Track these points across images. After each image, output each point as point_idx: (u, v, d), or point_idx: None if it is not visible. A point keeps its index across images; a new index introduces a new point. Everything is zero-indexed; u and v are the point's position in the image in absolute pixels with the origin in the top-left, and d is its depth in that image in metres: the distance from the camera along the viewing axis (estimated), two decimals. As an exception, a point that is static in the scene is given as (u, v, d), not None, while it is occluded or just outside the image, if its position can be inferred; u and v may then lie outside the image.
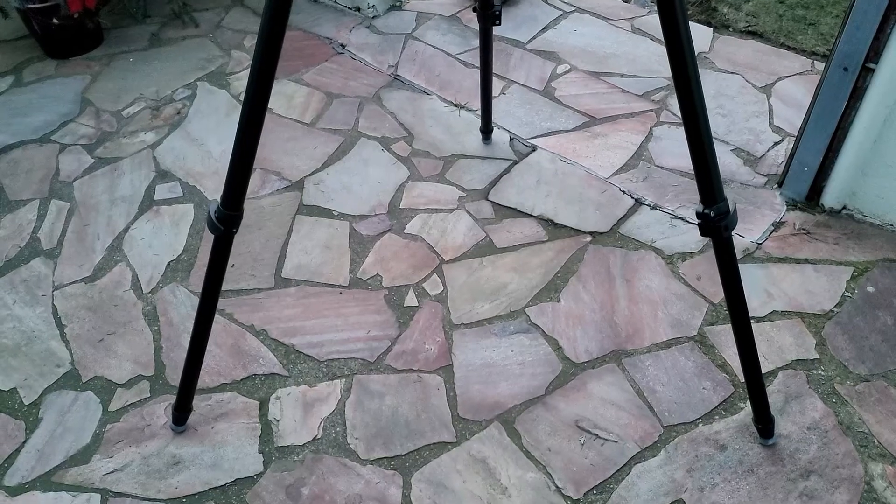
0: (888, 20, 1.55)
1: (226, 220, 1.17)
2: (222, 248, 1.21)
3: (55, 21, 2.32)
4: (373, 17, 2.73)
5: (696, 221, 1.14)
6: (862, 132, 1.70)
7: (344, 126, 2.26)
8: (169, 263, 1.83)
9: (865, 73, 1.64)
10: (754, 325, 1.62)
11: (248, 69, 2.48)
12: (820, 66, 2.40)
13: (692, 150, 1.12)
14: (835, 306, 1.66)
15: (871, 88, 1.64)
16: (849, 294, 1.68)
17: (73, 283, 1.78)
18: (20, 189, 2.03)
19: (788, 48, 4.72)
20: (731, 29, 4.90)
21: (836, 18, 4.73)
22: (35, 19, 2.36)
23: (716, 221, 1.13)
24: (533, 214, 1.96)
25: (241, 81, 2.43)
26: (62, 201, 1.99)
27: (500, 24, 1.76)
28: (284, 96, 2.36)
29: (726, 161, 2.06)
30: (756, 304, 1.67)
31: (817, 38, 4.65)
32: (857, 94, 1.67)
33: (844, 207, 1.86)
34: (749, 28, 4.89)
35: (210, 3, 2.80)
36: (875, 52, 1.60)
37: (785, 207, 1.90)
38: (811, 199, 1.89)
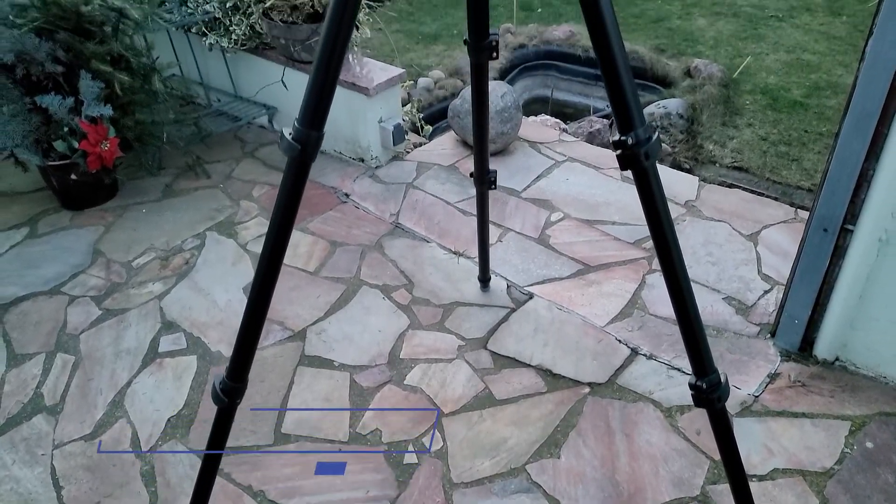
0: (861, 187, 1.65)
1: (230, 391, 1.19)
2: (225, 419, 1.22)
3: (73, 177, 2.45)
4: (375, 167, 2.88)
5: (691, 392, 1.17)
6: (846, 288, 1.76)
7: (346, 274, 2.33)
8: (169, 419, 1.83)
9: (845, 234, 1.72)
10: (757, 485, 1.61)
11: (255, 219, 2.58)
12: (803, 214, 2.50)
13: (681, 324, 1.17)
14: (835, 463, 1.65)
15: (851, 248, 1.72)
16: (848, 450, 1.68)
17: (74, 440, 1.78)
18: (27, 342, 2.07)
19: (775, 182, 4.91)
20: (717, 165, 5.12)
21: (817, 154, 4.96)
22: (54, 175, 2.49)
23: (708, 394, 1.16)
24: (531, 364, 1.98)
25: (248, 231, 2.53)
26: (68, 354, 2.02)
27: (495, 188, 1.87)
28: (290, 245, 2.43)
29: (719, 310, 2.11)
30: (757, 461, 1.66)
31: (801, 174, 4.85)
32: (838, 253, 1.74)
33: (837, 359, 1.90)
34: (735, 164, 5.11)
35: (222, 155, 2.96)
36: (852, 215, 1.69)
37: (779, 358, 1.94)
38: (804, 350, 1.93)
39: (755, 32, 6.18)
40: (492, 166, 1.89)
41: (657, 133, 1.12)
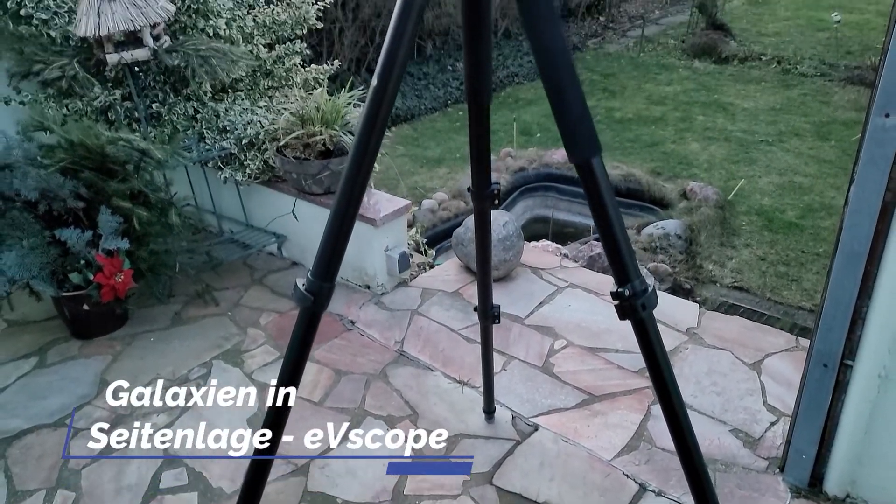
0: (856, 323, 1.69)
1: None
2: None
3: (85, 307, 2.51)
4: (381, 294, 2.94)
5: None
6: (851, 424, 1.76)
7: (351, 404, 2.33)
8: (168, 562, 1.79)
9: (844, 369, 1.74)
10: None
11: (262, 346, 2.61)
12: (804, 342, 2.52)
13: (687, 472, 1.17)
14: None
15: (852, 384, 1.73)
16: None
17: (68, 586, 1.73)
18: (28, 478, 2.04)
19: (776, 303, 4.94)
20: (718, 284, 5.18)
21: (816, 275, 5.03)
22: (67, 305, 2.55)
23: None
24: (538, 501, 1.95)
25: (254, 359, 2.55)
26: (68, 491, 2.00)
27: (499, 323, 1.91)
28: (295, 374, 2.45)
29: (726, 443, 2.09)
30: None
31: (801, 294, 4.91)
32: (840, 388, 1.76)
33: (848, 496, 1.86)
34: (735, 284, 5.18)
35: (231, 282, 3.03)
36: (850, 350, 1.72)
37: (789, 495, 1.90)
38: (814, 486, 1.90)
39: (747, 156, 6.43)
40: (495, 292, 1.94)
41: (654, 285, 1.17)
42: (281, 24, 3.51)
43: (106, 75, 2.89)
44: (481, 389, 2.31)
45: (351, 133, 2.85)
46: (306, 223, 3.01)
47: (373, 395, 2.37)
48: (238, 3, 3.34)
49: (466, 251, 3.03)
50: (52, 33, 2.76)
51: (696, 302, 4.66)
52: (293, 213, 3.00)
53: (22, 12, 2.70)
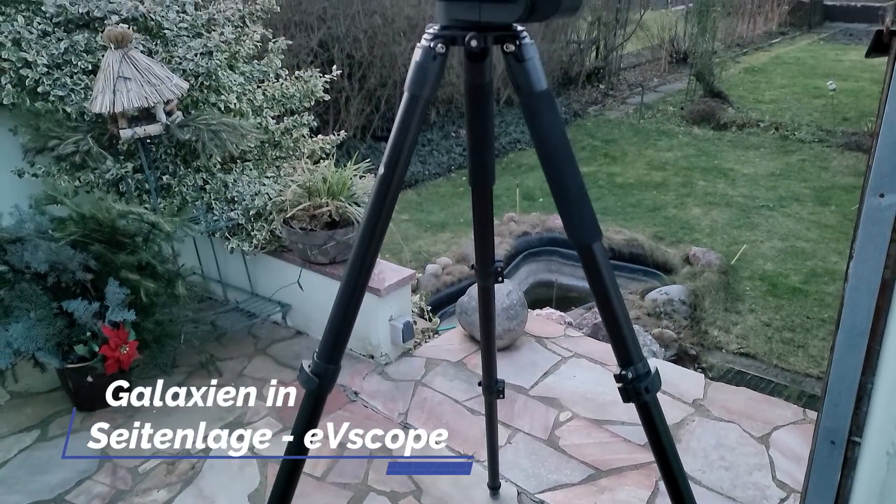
0: (862, 400, 1.68)
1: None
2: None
3: (89, 379, 2.51)
4: (385, 364, 2.93)
5: None
6: (862, 502, 1.73)
7: (354, 480, 2.30)
8: None
9: (852, 446, 1.72)
10: None
11: (265, 419, 2.59)
12: (812, 414, 2.50)
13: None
14: None
15: (860, 461, 1.71)
16: None
17: None
18: (24, 557, 2.01)
19: (783, 370, 4.90)
20: (724, 351, 5.15)
21: (822, 341, 5.00)
22: (71, 377, 2.55)
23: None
24: (544, 583, 1.90)
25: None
26: (64, 571, 1.96)
27: (503, 398, 1.90)
28: (297, 447, 2.43)
29: (735, 521, 2.05)
30: None
31: (808, 361, 4.87)
32: (848, 465, 1.73)
33: (864, 578, 1.81)
34: (741, 350, 5.14)
35: (235, 352, 3.03)
36: (857, 427, 1.70)
37: (803, 577, 1.85)
38: (828, 568, 1.85)
39: (748, 221, 6.48)
40: (499, 362, 1.94)
41: (656, 369, 1.18)
42: (289, 96, 3.62)
43: (119, 148, 2.96)
44: (486, 464, 2.28)
45: (356, 204, 2.91)
46: (311, 292, 3.03)
47: (376, 470, 2.34)
48: (248, 78, 3.45)
49: (470, 320, 3.04)
50: (68, 109, 2.85)
51: (701, 369, 4.64)
52: (298, 283, 3.02)
53: (39, 89, 2.80)
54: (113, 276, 2.44)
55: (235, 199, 3.07)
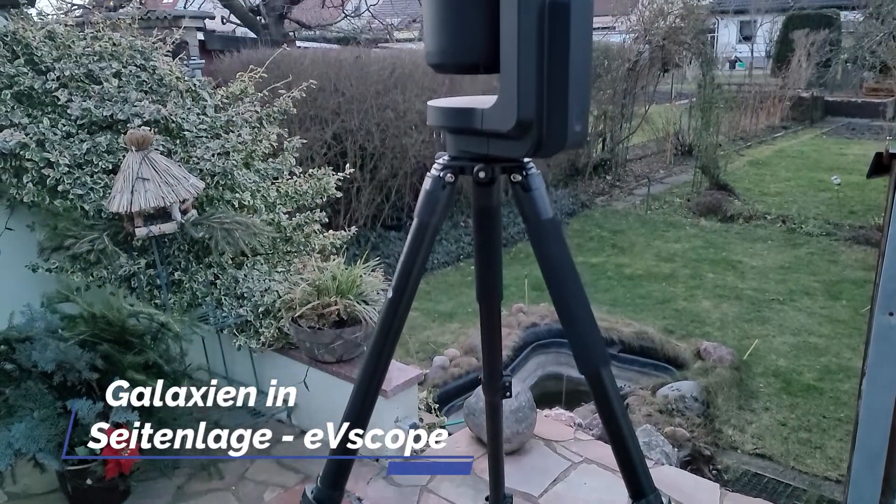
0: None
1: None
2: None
3: (89, 482, 2.46)
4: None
5: None
6: None
7: None
8: None
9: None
10: None
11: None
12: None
13: None
14: None
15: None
16: None
17: None
18: None
19: (801, 472, 4.74)
20: (739, 451, 5.01)
21: (840, 442, 4.87)
22: (70, 479, 2.50)
23: None
24: None
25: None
26: None
27: (511, 513, 1.84)
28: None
29: None
30: None
31: (826, 463, 4.72)
32: None
33: None
34: (756, 451, 5.00)
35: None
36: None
37: None
38: None
39: (759, 315, 6.44)
40: (507, 467, 1.89)
41: (668, 499, 1.15)
42: (302, 193, 3.71)
43: (133, 244, 3.01)
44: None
45: (365, 302, 2.92)
46: (317, 391, 3.00)
47: (378, 584, 2.25)
48: (263, 175, 3.54)
49: (478, 422, 2.98)
50: (87, 207, 2.92)
51: (717, 471, 4.49)
52: (304, 383, 3.00)
53: (59, 188, 2.88)
54: (119, 375, 2.43)
55: (245, 295, 3.09)
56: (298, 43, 9.64)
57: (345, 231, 3.83)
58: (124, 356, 2.43)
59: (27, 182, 2.85)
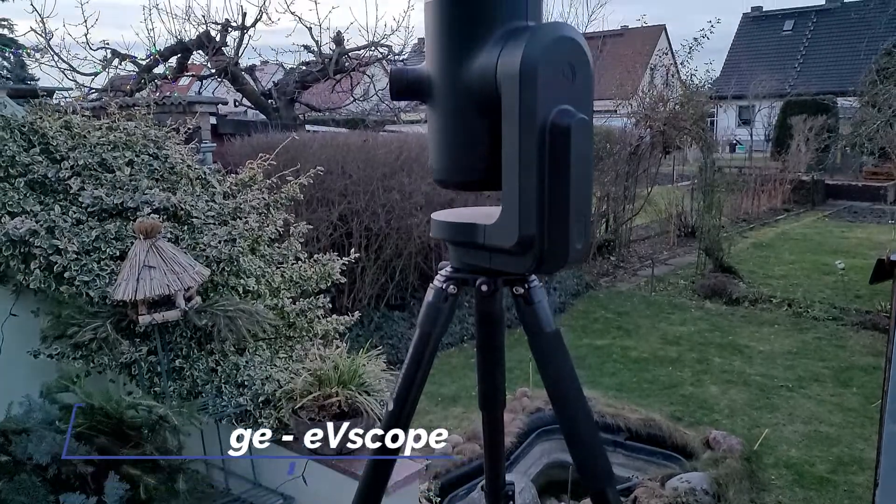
0: None
1: None
2: None
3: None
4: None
5: None
6: None
7: None
8: None
9: None
10: None
11: None
12: None
13: None
14: None
15: None
16: None
17: None
18: None
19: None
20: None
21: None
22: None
23: None
24: None
25: None
26: None
27: None
28: None
29: None
30: None
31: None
32: None
33: None
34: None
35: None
36: None
37: None
38: None
39: (768, 402, 6.32)
40: None
41: None
42: (307, 279, 3.72)
43: (135, 330, 3.01)
44: None
45: (367, 392, 2.88)
46: (315, 485, 2.92)
47: None
48: (268, 261, 3.57)
49: (481, 519, 2.89)
50: (91, 293, 2.93)
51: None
52: (303, 478, 2.92)
53: (66, 274, 2.89)
54: (114, 470, 2.38)
55: (246, 383, 3.06)
56: (308, 126, 9.91)
57: (348, 316, 3.82)
58: (121, 450, 2.39)
59: (35, 269, 2.87)
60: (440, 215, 1.17)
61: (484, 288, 1.14)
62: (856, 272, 10.12)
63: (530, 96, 0.97)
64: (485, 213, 1.13)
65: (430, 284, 1.18)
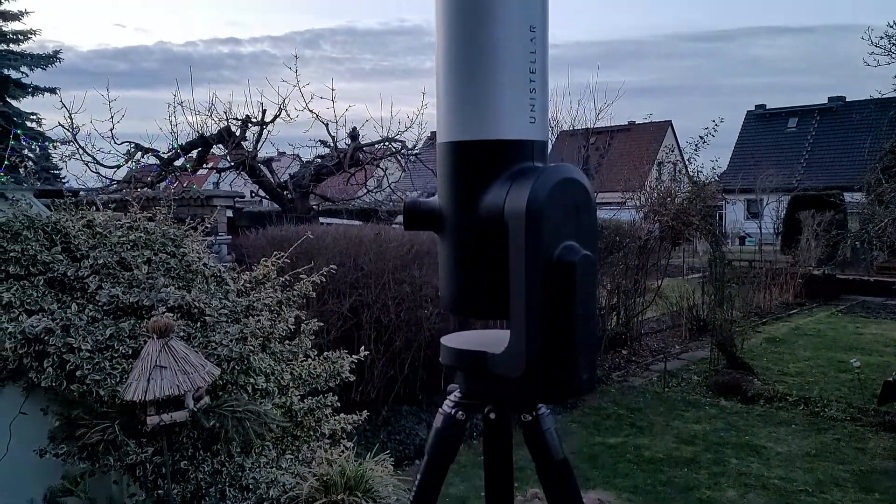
0: None
1: None
2: None
3: None
4: None
5: None
6: None
7: None
8: None
9: None
10: None
11: None
12: None
13: None
14: None
15: None
16: None
17: None
18: None
19: None
20: None
21: None
22: None
23: None
24: None
25: None
26: None
27: None
28: None
29: None
30: None
31: None
32: None
33: None
34: None
35: None
36: None
37: None
38: None
39: (788, 509, 6.09)
40: None
41: None
42: (316, 376, 3.72)
43: (142, 431, 2.99)
44: None
45: (374, 500, 2.82)
46: None
47: None
48: (278, 358, 3.58)
49: None
50: (102, 392, 2.94)
51: None
52: (305, 589, 2.83)
53: (78, 373, 2.92)
54: (112, 579, 2.32)
55: (250, 486, 3.01)
56: (322, 219, 10.10)
57: (356, 415, 3.79)
58: (120, 558, 2.33)
59: (47, 367, 2.90)
60: (449, 340, 1.19)
61: (492, 416, 1.15)
62: (871, 370, 9.94)
63: (535, 234, 1.01)
64: (493, 339, 1.16)
65: (439, 410, 1.19)
